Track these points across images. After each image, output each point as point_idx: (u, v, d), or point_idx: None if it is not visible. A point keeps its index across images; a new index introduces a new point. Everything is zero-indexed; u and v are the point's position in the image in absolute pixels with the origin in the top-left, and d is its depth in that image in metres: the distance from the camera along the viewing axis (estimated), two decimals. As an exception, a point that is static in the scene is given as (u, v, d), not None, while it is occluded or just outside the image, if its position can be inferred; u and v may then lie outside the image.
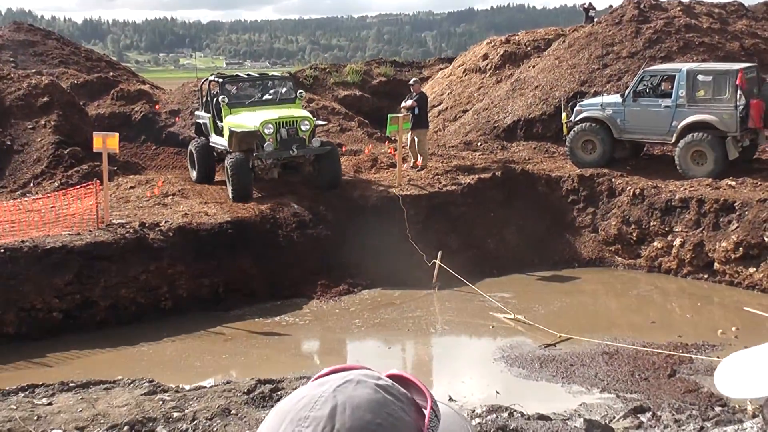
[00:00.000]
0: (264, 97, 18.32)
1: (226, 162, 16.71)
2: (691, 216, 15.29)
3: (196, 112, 19.70)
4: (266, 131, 16.35)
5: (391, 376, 1.26)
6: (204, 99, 18.96)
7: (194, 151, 18.42)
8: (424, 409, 1.21)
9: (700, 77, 16.86)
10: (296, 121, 16.71)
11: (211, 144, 18.25)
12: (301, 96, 18.59)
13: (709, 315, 13.95)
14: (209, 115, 18.15)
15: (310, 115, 17.49)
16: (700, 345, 11.98)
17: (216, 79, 18.24)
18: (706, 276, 14.92)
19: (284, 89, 18.58)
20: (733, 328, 12.66)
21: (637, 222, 15.99)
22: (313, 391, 1.19)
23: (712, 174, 16.37)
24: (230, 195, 16.38)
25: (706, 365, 11.14)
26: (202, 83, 19.50)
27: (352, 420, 1.14)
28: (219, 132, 17.70)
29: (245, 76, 19.31)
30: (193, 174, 18.54)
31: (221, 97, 17.34)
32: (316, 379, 1.24)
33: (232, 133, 16.80)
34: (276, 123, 16.51)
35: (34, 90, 20.28)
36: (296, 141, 16.55)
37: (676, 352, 11.60)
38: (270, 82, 19.28)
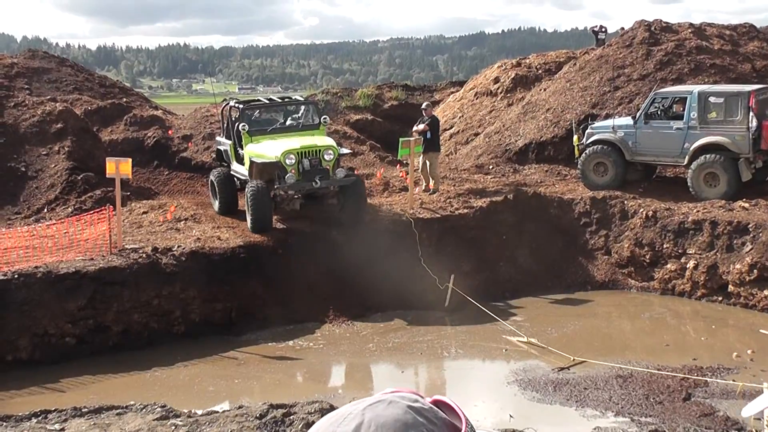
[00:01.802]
0: (287, 123, 17.51)
1: (246, 191, 15.96)
2: (705, 238, 15.23)
3: (217, 138, 19.05)
4: (288, 162, 15.52)
5: (435, 402, 1.29)
6: (225, 125, 18.21)
7: (215, 181, 17.47)
8: None
9: (712, 99, 16.85)
10: (319, 151, 15.82)
11: (232, 172, 17.47)
12: (325, 122, 17.43)
13: (724, 338, 13.85)
14: (230, 141, 17.42)
15: (334, 144, 16.45)
16: (715, 368, 11.89)
17: (237, 105, 17.46)
18: (720, 298, 14.83)
19: (307, 114, 17.62)
20: (749, 351, 12.56)
21: (650, 244, 15.93)
22: (346, 409, 1.23)
23: (725, 196, 16.32)
24: (249, 225, 15.73)
25: (722, 388, 11.06)
26: (223, 108, 18.79)
27: None
28: (240, 160, 16.96)
29: (267, 101, 18.20)
30: (215, 205, 17.59)
31: (241, 125, 16.48)
32: None
33: (252, 163, 16.13)
34: (298, 153, 15.67)
35: (48, 116, 20.44)
36: (319, 172, 15.66)
37: (691, 375, 11.53)
38: (293, 106, 18.26)
